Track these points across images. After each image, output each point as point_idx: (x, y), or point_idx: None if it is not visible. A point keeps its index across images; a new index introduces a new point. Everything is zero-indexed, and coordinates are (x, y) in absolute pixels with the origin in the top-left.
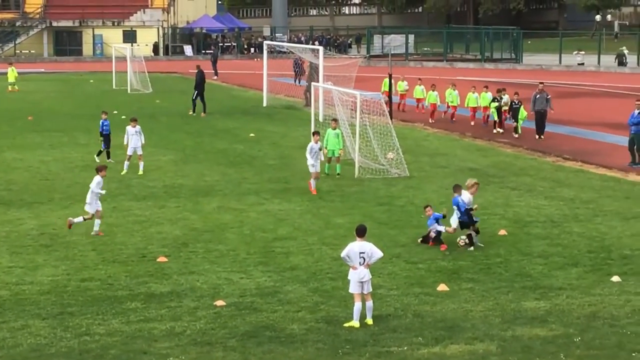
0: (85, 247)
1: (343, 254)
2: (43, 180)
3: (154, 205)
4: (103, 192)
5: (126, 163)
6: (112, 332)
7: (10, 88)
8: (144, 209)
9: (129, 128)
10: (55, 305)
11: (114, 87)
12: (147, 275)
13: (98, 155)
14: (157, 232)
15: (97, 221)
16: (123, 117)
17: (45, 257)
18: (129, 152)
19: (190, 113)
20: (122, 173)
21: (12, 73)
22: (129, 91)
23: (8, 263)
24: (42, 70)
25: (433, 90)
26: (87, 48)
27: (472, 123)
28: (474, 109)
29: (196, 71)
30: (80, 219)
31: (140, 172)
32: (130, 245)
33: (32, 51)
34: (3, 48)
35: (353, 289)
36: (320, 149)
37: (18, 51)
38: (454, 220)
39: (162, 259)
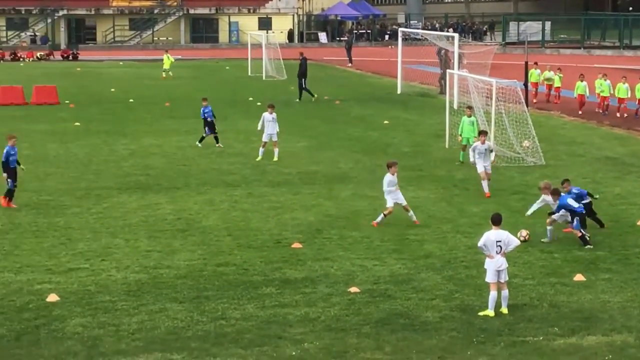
0: (221, 233)
1: (480, 243)
2: (180, 165)
3: (288, 191)
4: None
5: (261, 150)
6: (247, 317)
7: (164, 75)
8: (278, 195)
9: (266, 114)
10: (191, 289)
11: (249, 73)
12: (281, 261)
13: (200, 141)
14: (292, 218)
15: None
16: (258, 103)
17: (182, 242)
18: (265, 138)
19: (314, 98)
20: (257, 159)
21: (167, 60)
22: (264, 78)
23: (146, 247)
24: (179, 57)
25: (582, 81)
26: (223, 35)
27: (625, 115)
28: (622, 100)
29: (301, 58)
30: None
31: (275, 159)
32: (265, 231)
33: (169, 38)
34: (141, 35)
35: (490, 277)
36: (490, 150)
37: (156, 38)
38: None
39: (296, 245)
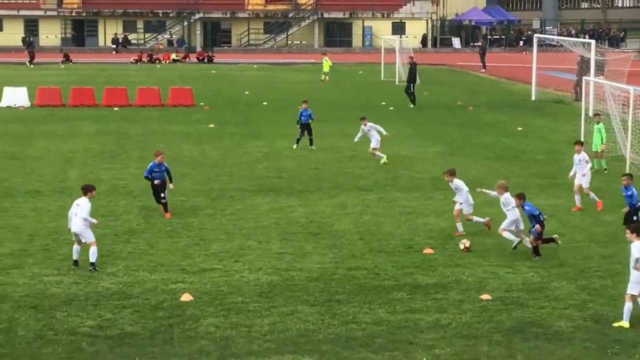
0: (353, 237)
1: (638, 254)
2: (312, 169)
3: (420, 196)
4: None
5: (378, 153)
6: (378, 321)
7: (323, 77)
8: (410, 200)
9: (362, 127)
10: (323, 292)
11: (382, 78)
12: (413, 266)
13: (297, 143)
14: (424, 223)
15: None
16: (391, 108)
17: (314, 245)
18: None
19: (411, 106)
20: (381, 162)
21: (326, 63)
22: (397, 83)
23: (278, 249)
24: (312, 60)
25: None
26: (356, 39)
27: None
28: None
29: (411, 63)
30: None
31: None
32: (396, 235)
33: (303, 42)
34: (275, 39)
35: (633, 289)
36: (586, 161)
37: (290, 42)
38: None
39: (428, 250)
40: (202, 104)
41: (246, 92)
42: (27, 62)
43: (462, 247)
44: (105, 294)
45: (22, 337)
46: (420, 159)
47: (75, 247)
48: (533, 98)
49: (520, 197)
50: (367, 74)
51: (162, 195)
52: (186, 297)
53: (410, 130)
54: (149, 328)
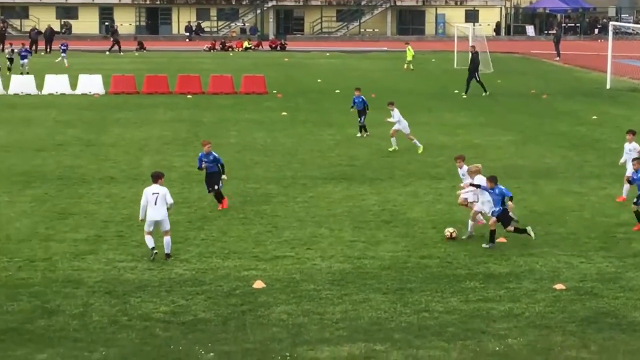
0: (425, 225)
1: None
2: (384, 157)
3: None
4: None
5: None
6: (450, 310)
7: (406, 67)
8: None
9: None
10: (395, 280)
11: (455, 66)
12: (485, 255)
13: (360, 132)
14: None
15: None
16: (464, 96)
17: (386, 233)
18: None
19: (464, 95)
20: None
21: (409, 52)
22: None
23: (351, 237)
24: (385, 48)
25: None
26: (429, 27)
27: None
28: None
29: (472, 52)
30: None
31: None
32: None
33: (375, 30)
34: (348, 27)
35: None
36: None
37: (362, 30)
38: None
39: (501, 239)
40: (274, 91)
41: (318, 80)
42: (107, 51)
43: (447, 235)
44: (179, 280)
45: (96, 322)
46: (493, 148)
47: (150, 237)
48: (608, 86)
49: (492, 180)
50: (439, 62)
51: (216, 186)
52: (258, 284)
53: (483, 119)
54: (221, 315)
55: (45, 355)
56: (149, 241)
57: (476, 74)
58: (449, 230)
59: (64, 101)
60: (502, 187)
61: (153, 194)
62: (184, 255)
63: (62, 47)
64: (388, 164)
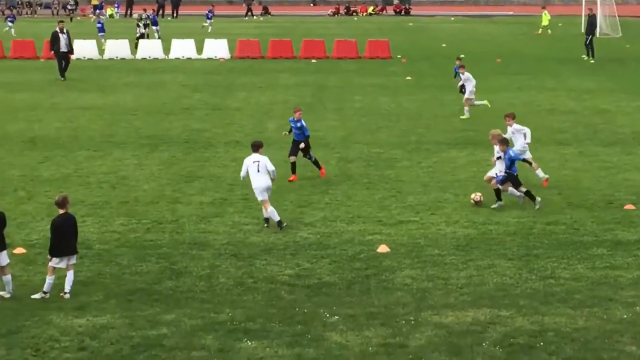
0: (551, 191)
1: None
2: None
3: (621, 151)
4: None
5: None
6: (577, 277)
7: (540, 31)
8: (611, 155)
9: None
10: (520, 246)
11: (582, 30)
12: (613, 222)
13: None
14: (624, 179)
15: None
16: (592, 61)
17: (512, 199)
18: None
19: (586, 58)
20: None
21: (545, 17)
22: (597, 35)
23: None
24: (510, 13)
25: None
26: None
27: None
28: None
29: (589, 15)
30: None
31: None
32: (596, 191)
33: None
34: None
35: None
36: None
37: None
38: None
39: (629, 206)
40: (399, 56)
41: (443, 45)
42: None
43: (474, 199)
44: (304, 243)
45: (222, 284)
46: (622, 113)
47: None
48: None
49: (503, 143)
50: (566, 27)
51: (308, 156)
52: (383, 248)
53: (611, 84)
54: (346, 278)
55: (173, 315)
56: (269, 213)
57: (589, 37)
58: (476, 196)
59: (190, 65)
60: (512, 152)
61: (254, 162)
62: (308, 219)
63: (209, 14)
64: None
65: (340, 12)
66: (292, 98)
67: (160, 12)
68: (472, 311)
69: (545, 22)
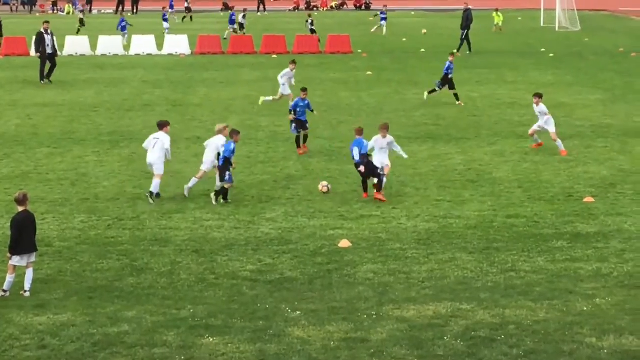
0: (512, 185)
1: None
2: (470, 116)
3: (580, 144)
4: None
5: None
6: (537, 270)
7: (494, 28)
8: (570, 147)
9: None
10: (481, 240)
11: (542, 24)
12: (573, 214)
13: (430, 92)
14: (584, 172)
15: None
16: (551, 55)
17: (472, 193)
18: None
19: (468, 52)
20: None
21: (497, 17)
22: (556, 29)
23: (436, 196)
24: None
25: None
26: None
27: None
28: None
29: (465, 9)
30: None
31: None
32: (556, 184)
33: None
34: None
35: None
36: None
37: None
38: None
39: (588, 199)
40: (359, 51)
41: (404, 39)
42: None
43: (324, 189)
44: (265, 239)
45: (184, 280)
46: (581, 106)
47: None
48: None
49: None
50: (525, 20)
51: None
52: (344, 243)
53: (570, 78)
54: (308, 273)
55: (134, 312)
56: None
57: (464, 32)
58: (324, 187)
59: (151, 61)
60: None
61: (154, 138)
62: (269, 214)
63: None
64: (474, 123)
65: (301, 6)
66: (254, 93)
67: (120, 7)
68: (434, 305)
69: (497, 21)
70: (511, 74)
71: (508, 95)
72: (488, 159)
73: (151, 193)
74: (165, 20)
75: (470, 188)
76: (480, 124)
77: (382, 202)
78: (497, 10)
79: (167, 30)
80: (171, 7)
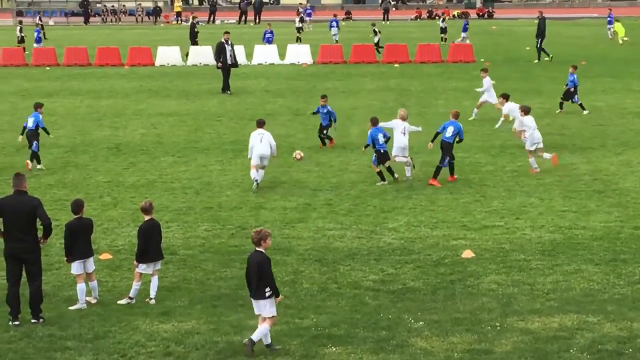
0: (639, 195)
1: None
2: (596, 125)
3: None
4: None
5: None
6: None
7: (621, 41)
8: None
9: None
10: (607, 251)
11: None
12: None
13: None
14: None
15: None
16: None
17: (598, 203)
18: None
19: (536, 61)
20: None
21: (619, 29)
22: None
23: (561, 207)
24: (595, 15)
25: None
26: None
27: None
28: None
29: (539, 18)
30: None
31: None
32: None
33: None
34: None
35: None
36: None
37: None
38: None
39: None
40: (482, 60)
41: (527, 48)
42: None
43: (297, 156)
44: (387, 249)
45: (306, 290)
46: None
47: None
48: None
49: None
50: None
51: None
52: (467, 253)
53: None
54: (430, 284)
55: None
56: (253, 174)
57: (539, 40)
58: (297, 154)
59: (273, 71)
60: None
61: (259, 134)
62: (392, 224)
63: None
64: (600, 133)
65: (423, 15)
66: (375, 103)
67: (243, 18)
68: (559, 317)
69: (621, 34)
70: (638, 83)
71: (635, 104)
72: (614, 169)
73: (257, 183)
74: (333, 26)
75: (596, 198)
76: (606, 134)
77: (506, 213)
78: (617, 20)
79: (335, 36)
80: (309, 15)
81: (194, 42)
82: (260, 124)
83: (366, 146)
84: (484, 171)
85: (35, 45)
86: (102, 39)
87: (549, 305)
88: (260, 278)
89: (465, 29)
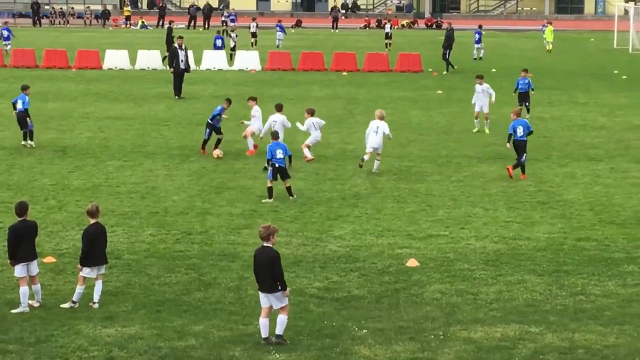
0: (582, 207)
1: None
2: (541, 137)
3: None
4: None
5: (475, 121)
6: (608, 294)
7: (549, 47)
8: None
9: (477, 86)
10: (550, 262)
11: (614, 46)
12: None
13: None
14: None
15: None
16: (624, 77)
17: (542, 214)
18: (476, 109)
19: (445, 73)
20: (473, 131)
21: (549, 33)
22: (630, 51)
23: (506, 217)
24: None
25: None
26: (588, 6)
27: None
28: None
29: (448, 29)
30: None
31: (487, 131)
32: (628, 207)
33: (533, 8)
34: (505, 5)
35: None
36: None
37: (520, 8)
38: None
39: None
40: (430, 69)
41: (474, 58)
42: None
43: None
44: (333, 256)
45: (251, 296)
46: None
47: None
48: None
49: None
50: (598, 42)
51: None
52: (412, 262)
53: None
54: (375, 292)
55: (201, 326)
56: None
57: (447, 51)
58: (220, 152)
59: (221, 76)
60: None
61: (273, 121)
62: (337, 231)
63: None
64: (545, 144)
65: (372, 25)
66: (323, 110)
67: (192, 23)
68: (502, 327)
69: (549, 38)
70: (583, 95)
71: (580, 117)
72: (559, 181)
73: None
74: (279, 31)
75: (540, 210)
76: (550, 145)
77: (451, 223)
78: (550, 22)
79: (280, 42)
80: (232, 20)
81: (170, 47)
82: (278, 108)
83: (268, 161)
84: (430, 180)
85: None
86: (50, 41)
87: (492, 315)
88: (273, 273)
89: (478, 41)
